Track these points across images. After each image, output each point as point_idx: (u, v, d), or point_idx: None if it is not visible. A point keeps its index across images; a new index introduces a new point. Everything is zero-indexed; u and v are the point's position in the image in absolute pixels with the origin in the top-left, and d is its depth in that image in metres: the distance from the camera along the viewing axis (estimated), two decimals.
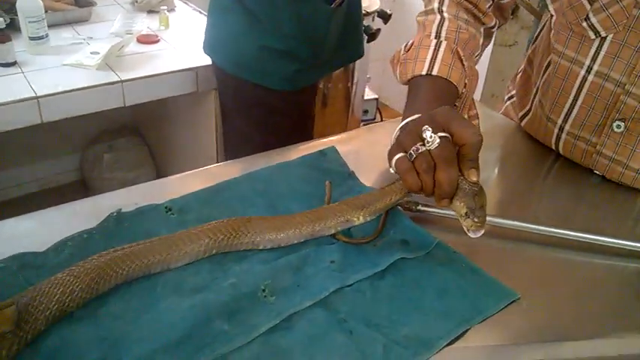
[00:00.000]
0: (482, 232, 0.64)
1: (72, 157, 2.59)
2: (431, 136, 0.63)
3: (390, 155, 0.67)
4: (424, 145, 0.64)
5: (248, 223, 0.69)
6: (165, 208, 0.74)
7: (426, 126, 0.64)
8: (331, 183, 0.80)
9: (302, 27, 1.38)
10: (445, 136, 0.64)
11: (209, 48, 1.56)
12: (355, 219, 0.70)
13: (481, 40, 0.92)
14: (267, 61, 1.41)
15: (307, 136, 1.59)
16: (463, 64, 0.82)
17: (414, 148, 0.64)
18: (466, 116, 0.87)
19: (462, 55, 0.83)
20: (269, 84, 1.44)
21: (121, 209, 0.72)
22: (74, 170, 2.62)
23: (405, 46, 0.87)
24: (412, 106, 0.79)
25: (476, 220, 0.63)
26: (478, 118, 0.88)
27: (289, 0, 1.34)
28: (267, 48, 1.40)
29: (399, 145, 0.67)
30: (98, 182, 2.41)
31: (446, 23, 0.86)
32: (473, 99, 0.88)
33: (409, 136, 0.66)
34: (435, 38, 0.84)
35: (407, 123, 0.69)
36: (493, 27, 0.95)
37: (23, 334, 0.54)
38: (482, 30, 0.92)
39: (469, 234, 0.64)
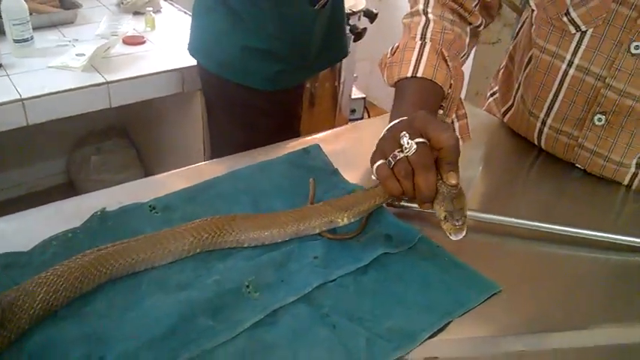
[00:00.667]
0: (464, 234, 0.64)
1: (59, 159, 2.58)
2: (408, 142, 0.65)
3: (372, 161, 0.68)
4: (402, 151, 0.65)
5: (232, 222, 0.69)
6: (150, 206, 0.74)
7: (404, 132, 0.65)
8: (315, 180, 0.81)
9: (285, 28, 1.38)
10: (422, 142, 0.65)
11: (193, 49, 1.56)
12: (339, 220, 0.70)
13: (467, 40, 0.92)
14: (250, 61, 1.42)
15: (293, 135, 1.59)
16: (448, 65, 0.82)
17: (392, 154, 0.66)
18: (454, 116, 0.87)
19: (446, 55, 0.83)
20: (251, 84, 1.44)
21: (105, 208, 0.72)
22: (61, 173, 2.61)
23: (392, 49, 0.87)
24: (398, 109, 0.79)
25: (455, 223, 0.64)
26: (467, 117, 0.88)
27: (273, 1, 1.35)
28: (250, 48, 1.40)
29: (379, 152, 0.68)
30: (86, 185, 2.40)
31: (431, 25, 0.86)
32: (460, 98, 0.88)
33: (388, 142, 0.67)
34: (420, 40, 0.84)
35: (387, 129, 0.70)
36: (479, 26, 0.95)
37: (7, 333, 0.55)
38: (468, 30, 0.93)
39: (450, 237, 0.64)
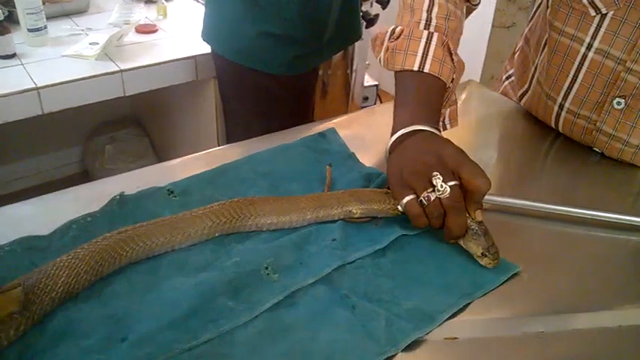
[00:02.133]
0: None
1: (74, 149, 2.60)
2: (442, 186, 0.65)
3: (399, 195, 0.69)
4: (434, 191, 0.66)
5: (251, 206, 0.70)
6: (168, 190, 0.74)
7: (437, 174, 0.66)
8: (331, 165, 0.81)
9: (302, 11, 1.38)
10: (456, 184, 0.66)
11: (207, 35, 1.56)
12: (354, 211, 0.71)
13: (463, 21, 0.90)
14: (267, 46, 1.41)
15: (307, 122, 1.59)
16: (453, 59, 0.82)
17: (425, 195, 0.66)
18: (447, 106, 0.86)
19: (451, 48, 0.82)
20: (268, 69, 1.43)
21: (123, 192, 0.73)
22: (76, 162, 2.63)
23: (393, 32, 0.84)
24: (404, 106, 0.79)
25: (492, 257, 0.66)
26: (457, 103, 0.87)
27: None
28: (266, 33, 1.39)
29: (407, 186, 0.68)
30: (100, 173, 2.41)
31: (435, 9, 0.84)
32: None
33: (420, 180, 0.67)
34: (425, 28, 0.82)
35: (416, 164, 0.69)
36: (476, 5, 0.94)
37: (30, 314, 0.55)
38: (464, 9, 0.92)
39: (488, 267, 0.66)
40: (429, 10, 0.83)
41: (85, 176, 2.58)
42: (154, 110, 2.44)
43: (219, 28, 1.50)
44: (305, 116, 1.60)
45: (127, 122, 2.55)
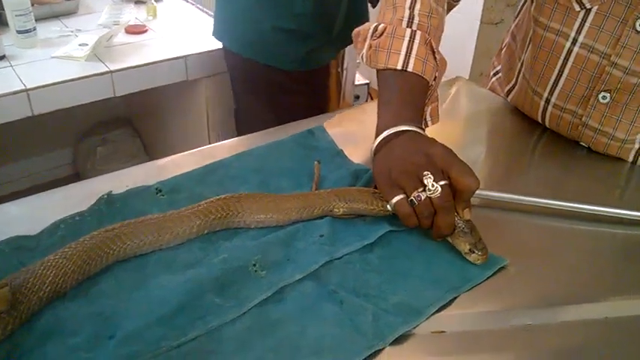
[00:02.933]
0: (487, 259, 0.67)
1: (65, 151, 2.59)
2: (433, 185, 0.66)
3: (388, 194, 0.69)
4: (424, 190, 0.66)
5: (237, 203, 0.70)
6: (156, 189, 0.75)
7: (428, 173, 0.66)
8: (320, 162, 0.81)
9: (314, 5, 1.38)
10: (446, 184, 0.66)
11: (219, 32, 1.56)
12: (337, 210, 0.72)
13: (445, 17, 0.90)
14: (280, 41, 1.42)
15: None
16: (435, 57, 0.82)
17: (415, 194, 0.67)
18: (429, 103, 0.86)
19: (434, 46, 0.82)
20: (283, 65, 1.44)
21: (111, 191, 0.73)
22: (68, 164, 2.62)
23: (375, 29, 0.84)
24: (388, 105, 0.79)
25: (479, 253, 0.66)
26: (438, 100, 0.87)
27: None
28: (280, 29, 1.40)
29: (396, 185, 0.69)
30: (92, 175, 2.39)
31: (417, 5, 0.83)
32: None
33: (409, 180, 0.68)
34: (408, 26, 0.81)
35: (405, 164, 0.69)
36: (457, 1, 0.95)
37: (17, 314, 0.55)
38: (445, 5, 0.91)
39: (476, 264, 0.67)
40: (412, 8, 0.83)
41: (76, 178, 2.57)
42: (145, 111, 2.44)
43: (231, 23, 1.50)
44: (320, 109, 1.59)
45: (119, 123, 2.55)
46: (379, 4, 0.88)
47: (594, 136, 0.89)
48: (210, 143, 1.89)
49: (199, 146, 0.89)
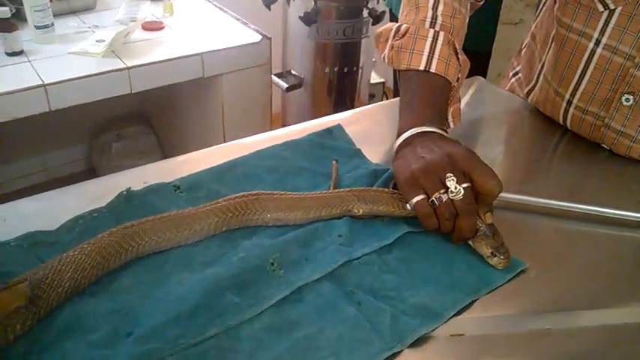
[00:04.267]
0: (510, 263, 0.66)
1: (80, 146, 2.60)
2: (455, 187, 0.65)
3: (408, 194, 0.69)
4: (446, 192, 0.66)
5: (256, 201, 0.70)
6: (174, 186, 0.75)
7: (450, 175, 0.66)
8: (337, 162, 0.81)
9: None
10: (468, 187, 0.66)
11: None
12: (356, 210, 0.71)
13: (467, 18, 0.90)
14: None
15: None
16: (458, 58, 0.81)
17: (437, 195, 0.66)
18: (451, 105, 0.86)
19: (457, 47, 0.82)
20: None
21: (130, 188, 0.73)
22: (83, 159, 2.63)
23: (398, 29, 0.84)
24: (410, 106, 0.79)
25: (502, 257, 0.65)
26: (460, 101, 0.87)
27: None
28: None
29: (417, 185, 0.68)
30: (107, 171, 2.41)
31: (440, 6, 0.83)
32: None
33: (431, 180, 0.67)
34: (431, 27, 0.81)
35: (427, 164, 0.68)
36: (480, 2, 0.94)
37: (37, 309, 0.55)
38: (468, 6, 0.91)
39: (498, 268, 0.66)
40: (435, 8, 0.83)
41: (91, 173, 2.58)
42: (160, 107, 2.44)
43: None
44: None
45: (134, 119, 2.56)
46: (401, 5, 0.88)
47: (616, 139, 0.88)
48: (225, 140, 1.90)
49: (214, 143, 0.89)
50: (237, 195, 0.70)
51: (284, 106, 2.57)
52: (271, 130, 2.09)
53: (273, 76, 2.19)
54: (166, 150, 2.54)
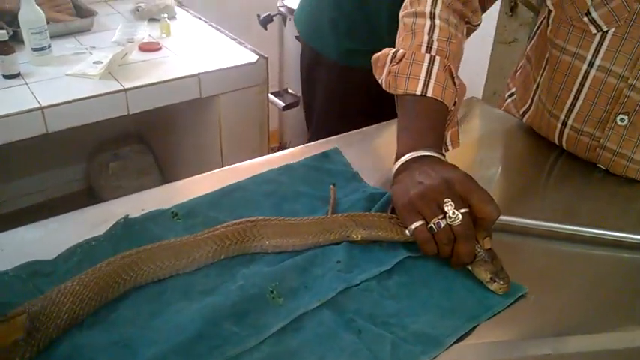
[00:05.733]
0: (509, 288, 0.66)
1: (78, 166, 2.60)
2: (454, 213, 0.66)
3: (407, 220, 0.69)
4: (444, 218, 0.66)
5: (254, 228, 0.70)
6: (172, 213, 0.75)
7: (449, 200, 0.66)
8: (335, 186, 0.81)
9: (361, 9, 1.46)
10: (467, 212, 0.66)
11: (296, 19, 1.66)
12: (355, 236, 0.71)
13: (464, 42, 0.91)
14: (332, 32, 1.51)
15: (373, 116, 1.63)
16: (455, 82, 0.82)
17: (435, 221, 0.66)
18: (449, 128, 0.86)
19: (453, 71, 0.82)
20: (325, 53, 1.55)
21: (127, 216, 0.73)
22: (81, 179, 2.63)
23: (395, 55, 0.84)
24: (407, 130, 0.79)
25: (501, 282, 0.65)
26: (458, 125, 0.87)
27: None
28: (334, 21, 1.50)
29: (415, 211, 0.68)
30: (105, 191, 2.42)
31: (436, 32, 0.84)
32: None
33: (429, 206, 0.67)
34: (427, 52, 0.82)
35: (424, 190, 0.68)
36: (477, 25, 0.95)
37: (35, 341, 0.55)
38: (465, 31, 0.92)
39: (498, 294, 0.66)
40: (430, 33, 0.83)
41: (89, 193, 2.58)
42: (157, 127, 2.45)
43: (302, 11, 1.64)
44: (368, 109, 1.62)
45: (131, 139, 2.56)
46: (398, 30, 0.88)
47: (612, 159, 0.89)
48: (222, 160, 1.91)
49: (212, 163, 0.90)
50: (234, 222, 0.70)
51: (281, 124, 2.58)
52: (269, 148, 2.11)
53: (269, 95, 2.20)
54: (164, 169, 2.54)
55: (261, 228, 0.70)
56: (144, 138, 2.62)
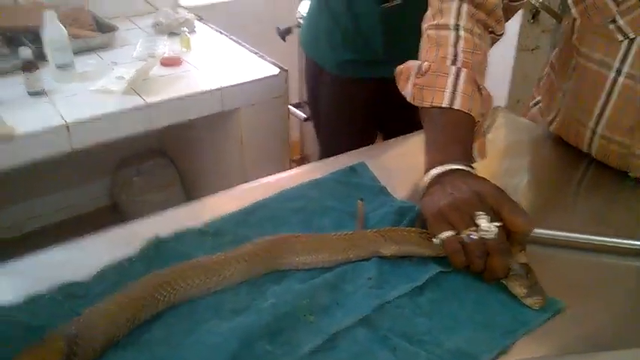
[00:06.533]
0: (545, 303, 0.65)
1: (102, 181, 2.62)
2: (488, 227, 0.65)
3: (437, 229, 0.68)
4: (477, 230, 0.65)
5: (284, 245, 0.70)
6: (200, 231, 0.75)
7: (482, 213, 0.66)
8: (363, 200, 0.80)
9: (354, 21, 1.49)
10: (500, 225, 0.65)
11: (300, 32, 1.73)
12: (386, 252, 0.71)
13: (488, 52, 0.90)
14: (328, 44, 1.56)
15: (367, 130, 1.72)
16: (481, 94, 0.82)
17: (467, 233, 0.66)
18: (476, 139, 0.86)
19: (479, 82, 0.82)
20: (324, 65, 1.59)
21: (158, 235, 0.73)
22: (105, 195, 2.65)
23: (420, 68, 0.84)
24: (436, 144, 0.79)
25: (537, 297, 0.65)
26: (485, 136, 0.86)
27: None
28: (330, 33, 1.54)
29: (446, 221, 0.68)
30: (129, 205, 2.44)
31: (461, 43, 0.83)
32: None
33: (460, 216, 0.67)
34: (453, 64, 0.82)
35: (456, 201, 0.68)
36: (501, 35, 0.93)
37: None
38: (489, 41, 0.91)
39: (534, 309, 0.65)
40: (455, 45, 0.83)
41: (114, 208, 2.60)
42: (180, 141, 2.46)
43: (305, 24, 1.69)
44: (364, 121, 1.69)
45: (153, 153, 2.58)
46: (421, 42, 0.88)
47: None
48: (245, 172, 1.91)
49: (234, 175, 0.90)
50: (263, 239, 0.70)
51: (302, 136, 2.59)
52: (290, 160, 2.11)
53: (290, 107, 2.21)
54: (187, 182, 2.56)
55: (291, 244, 0.69)
56: (166, 152, 2.64)
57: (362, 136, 1.66)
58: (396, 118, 1.43)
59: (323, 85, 1.63)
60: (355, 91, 1.59)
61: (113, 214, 2.53)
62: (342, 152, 0.96)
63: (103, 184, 2.63)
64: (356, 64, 1.54)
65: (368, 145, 1.69)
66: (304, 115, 2.31)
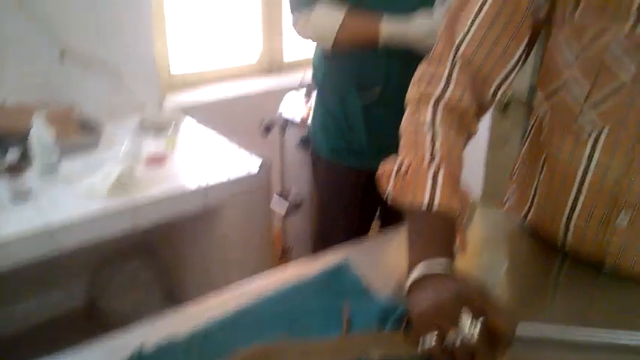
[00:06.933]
0: None
1: (81, 281, 2.53)
2: (470, 328, 0.66)
3: (421, 331, 0.69)
4: (461, 331, 0.66)
5: (271, 356, 0.70)
6: (186, 343, 0.75)
7: (466, 314, 0.67)
8: (349, 302, 0.81)
9: (344, 115, 1.69)
10: (483, 326, 0.66)
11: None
12: (372, 356, 0.71)
13: (464, 148, 0.92)
14: (324, 134, 1.76)
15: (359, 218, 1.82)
16: (459, 192, 0.84)
17: (451, 335, 0.66)
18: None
19: (458, 180, 0.85)
20: (319, 151, 1.79)
21: (141, 348, 0.73)
22: (84, 294, 2.56)
23: (399, 165, 0.86)
24: (417, 244, 0.81)
25: None
26: (464, 230, 0.88)
27: (335, 85, 1.70)
28: (324, 121, 1.76)
29: (431, 324, 0.68)
30: (108, 305, 2.38)
31: (439, 140, 0.86)
32: None
33: (445, 320, 0.68)
34: (430, 162, 0.84)
35: (439, 304, 0.69)
36: (474, 133, 0.96)
37: None
38: (466, 135, 0.93)
39: None
40: (433, 144, 0.86)
41: (94, 308, 2.51)
42: (162, 238, 2.45)
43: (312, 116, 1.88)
44: (353, 208, 1.81)
45: (134, 253, 2.54)
46: (401, 140, 0.91)
47: (618, 257, 0.90)
48: (227, 269, 1.91)
49: (217, 274, 0.90)
50: (250, 350, 0.70)
51: (283, 227, 2.60)
52: (274, 256, 2.11)
53: (272, 202, 2.23)
54: (169, 281, 2.51)
55: (278, 355, 0.70)
56: (148, 250, 2.61)
57: (357, 222, 1.79)
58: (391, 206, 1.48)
59: (317, 169, 1.83)
60: (346, 178, 1.74)
61: (90, 315, 2.46)
62: (336, 236, 0.97)
63: (83, 283, 2.56)
64: (346, 152, 1.71)
65: (364, 229, 1.82)
66: (284, 211, 2.34)
